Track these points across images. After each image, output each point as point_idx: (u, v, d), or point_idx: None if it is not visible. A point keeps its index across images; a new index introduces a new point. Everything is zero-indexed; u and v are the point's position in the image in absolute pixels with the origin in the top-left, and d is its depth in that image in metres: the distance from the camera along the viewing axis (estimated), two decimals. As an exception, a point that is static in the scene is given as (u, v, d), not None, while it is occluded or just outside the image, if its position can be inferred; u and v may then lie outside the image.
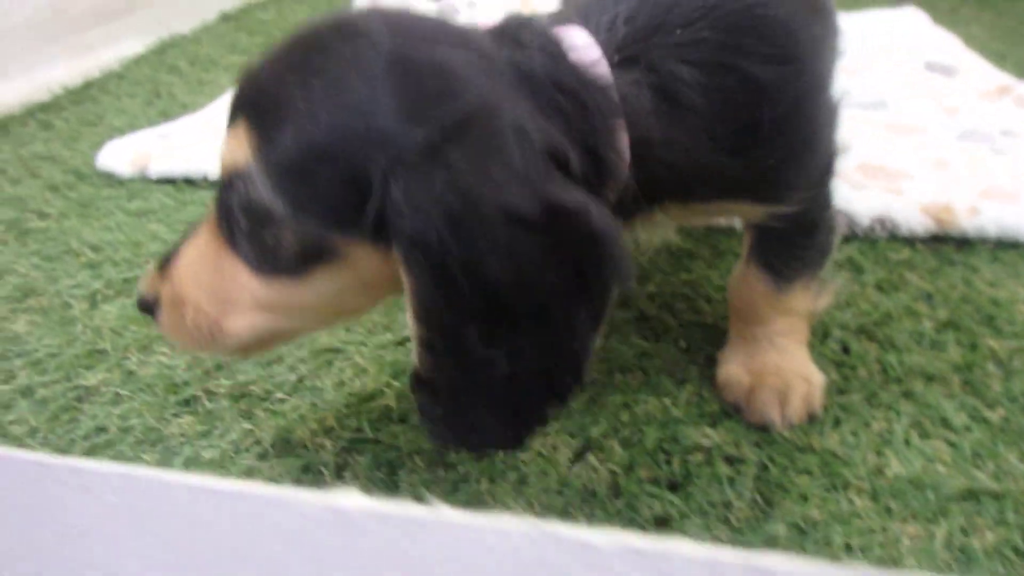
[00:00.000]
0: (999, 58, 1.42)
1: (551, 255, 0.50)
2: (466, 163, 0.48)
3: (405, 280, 0.50)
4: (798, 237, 0.71)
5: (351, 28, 0.53)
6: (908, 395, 0.73)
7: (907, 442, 0.68)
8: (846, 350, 0.78)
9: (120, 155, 1.25)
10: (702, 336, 0.82)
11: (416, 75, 0.50)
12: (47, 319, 0.92)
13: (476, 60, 0.53)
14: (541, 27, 0.58)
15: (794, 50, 0.62)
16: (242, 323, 0.58)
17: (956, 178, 0.99)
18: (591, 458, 0.68)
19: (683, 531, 0.61)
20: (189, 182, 1.22)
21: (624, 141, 0.57)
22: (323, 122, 0.49)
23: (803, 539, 0.60)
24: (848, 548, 0.59)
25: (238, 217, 0.54)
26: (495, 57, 0.54)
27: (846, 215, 0.95)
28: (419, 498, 0.65)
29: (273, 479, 0.68)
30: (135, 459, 0.71)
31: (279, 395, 0.77)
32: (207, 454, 0.71)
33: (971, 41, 1.50)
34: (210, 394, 0.78)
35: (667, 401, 0.73)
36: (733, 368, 0.74)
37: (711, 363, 0.77)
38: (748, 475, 0.66)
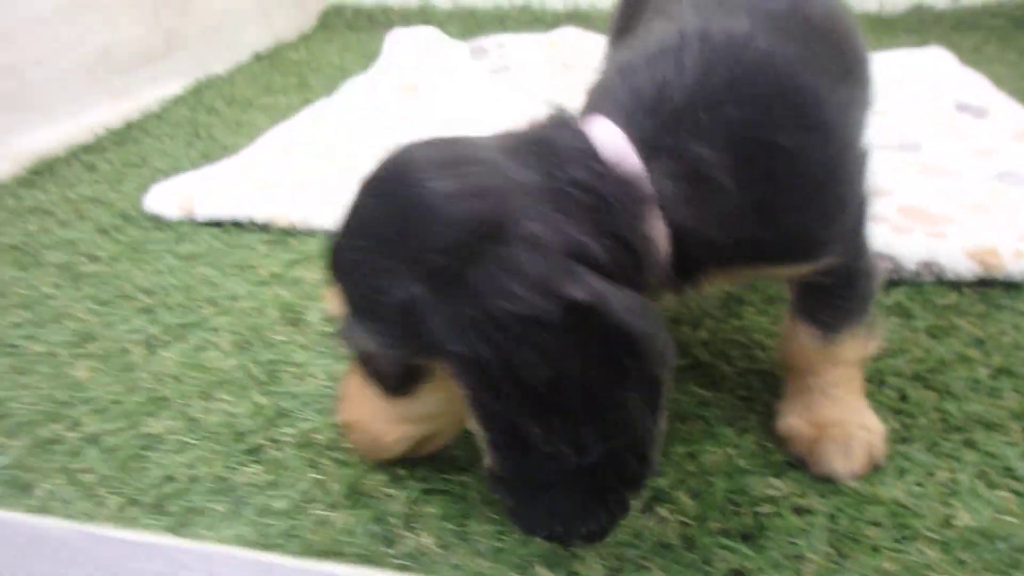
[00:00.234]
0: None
1: (579, 348, 0.54)
2: (483, 281, 0.54)
3: (459, 390, 0.57)
4: (839, 288, 0.72)
5: (379, 181, 0.62)
6: (969, 444, 0.74)
7: (973, 492, 0.69)
8: (904, 398, 0.79)
9: (166, 198, 1.27)
10: (759, 384, 0.83)
11: (441, 211, 0.56)
12: (107, 365, 0.93)
13: (492, 178, 0.58)
14: (573, 129, 0.62)
15: (821, 116, 0.63)
16: (392, 436, 0.70)
17: (997, 221, 1.01)
18: (661, 509, 0.68)
19: (759, 585, 0.62)
20: (237, 225, 1.24)
21: (658, 228, 0.60)
22: (379, 276, 0.58)
23: (879, 592, 0.61)
24: (924, 602, 0.60)
25: (358, 355, 0.67)
26: (512, 169, 0.59)
27: (890, 259, 0.97)
28: (488, 549, 0.66)
29: (345, 529, 0.69)
30: (206, 509, 0.72)
31: (345, 444, 0.78)
32: (278, 504, 0.72)
33: (997, 81, 1.53)
34: (275, 443, 0.79)
35: (731, 451, 0.74)
36: (793, 421, 0.75)
37: (770, 411, 0.78)
38: (818, 526, 0.66)
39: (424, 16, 2.51)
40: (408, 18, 2.50)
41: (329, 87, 1.88)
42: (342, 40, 2.36)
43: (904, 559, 0.63)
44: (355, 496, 0.72)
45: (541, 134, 0.62)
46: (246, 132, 1.62)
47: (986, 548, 0.64)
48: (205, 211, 1.23)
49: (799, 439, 0.73)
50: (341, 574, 0.60)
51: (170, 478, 0.76)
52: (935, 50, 1.70)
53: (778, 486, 0.70)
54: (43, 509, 0.74)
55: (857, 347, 0.74)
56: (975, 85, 1.47)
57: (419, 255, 0.56)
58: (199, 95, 1.86)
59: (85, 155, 1.53)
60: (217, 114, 1.74)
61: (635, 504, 0.60)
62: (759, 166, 0.62)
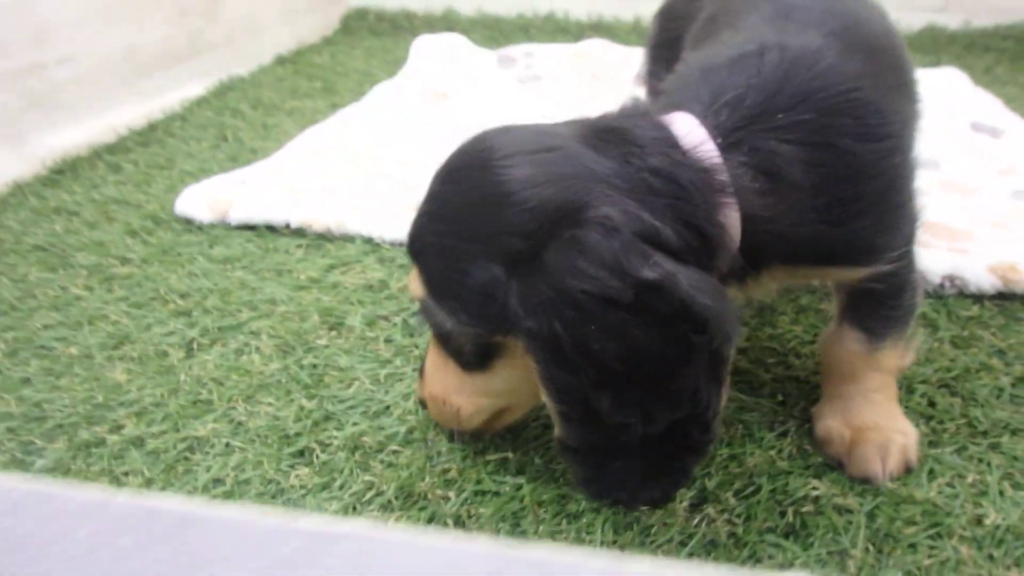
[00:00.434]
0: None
1: (648, 325, 0.57)
2: (559, 262, 0.57)
3: (533, 366, 0.61)
4: (887, 298, 0.76)
5: (458, 168, 0.66)
6: (995, 447, 0.77)
7: (1001, 493, 0.72)
8: (932, 404, 0.83)
9: (198, 201, 1.27)
10: (795, 390, 0.86)
11: (516, 194, 0.60)
12: (145, 368, 0.94)
13: (568, 165, 0.61)
14: (652, 119, 0.65)
15: (886, 128, 0.67)
16: (470, 408, 0.73)
17: (1016, 238, 1.05)
18: (709, 509, 0.71)
19: (808, 582, 0.65)
20: (271, 229, 1.24)
21: (732, 216, 0.63)
22: (460, 258, 0.62)
23: (920, 588, 0.64)
24: (964, 597, 0.63)
25: (435, 331, 0.70)
26: (587, 156, 0.62)
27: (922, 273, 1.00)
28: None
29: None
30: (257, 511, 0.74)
31: (393, 447, 0.80)
32: (331, 507, 0.73)
33: (1009, 101, 1.58)
34: (323, 445, 0.81)
35: (772, 454, 0.77)
36: (831, 424, 0.78)
37: (806, 416, 0.81)
38: (858, 525, 0.69)
39: (448, 23, 2.53)
40: (431, 24, 2.52)
41: (355, 92, 1.90)
42: (366, 45, 2.37)
43: (940, 555, 0.66)
44: (408, 498, 0.74)
45: (618, 123, 0.65)
46: (274, 136, 1.63)
47: (1015, 545, 0.67)
48: (239, 214, 1.24)
49: (838, 442, 0.76)
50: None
51: (218, 481, 0.77)
52: (949, 70, 1.75)
53: (818, 487, 0.73)
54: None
55: (898, 356, 0.77)
56: (989, 106, 1.52)
57: (498, 238, 0.60)
58: (222, 97, 1.86)
59: (109, 155, 1.53)
60: (242, 117, 1.74)
61: (686, 490, 0.64)
62: (830, 169, 0.65)
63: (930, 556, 0.66)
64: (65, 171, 1.48)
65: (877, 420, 0.77)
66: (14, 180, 1.43)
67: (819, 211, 0.65)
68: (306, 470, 0.78)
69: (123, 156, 1.54)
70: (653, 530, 0.69)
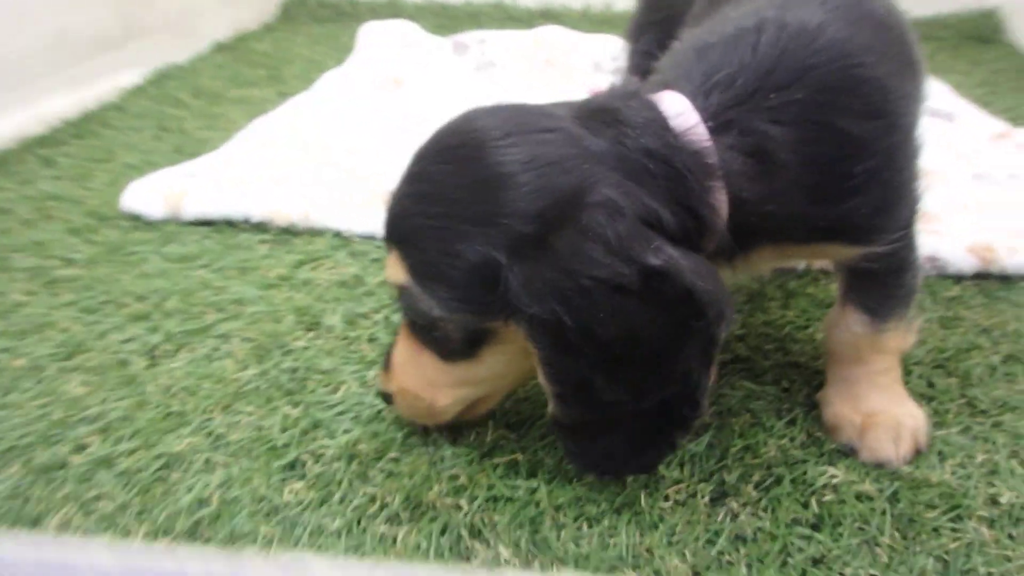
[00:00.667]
0: (984, 105, 1.55)
1: (652, 311, 0.58)
2: (567, 247, 0.57)
3: (532, 350, 0.61)
4: (889, 278, 0.75)
5: (451, 148, 0.63)
6: (998, 426, 0.78)
7: (1011, 471, 0.72)
8: (931, 385, 0.83)
9: (147, 195, 1.17)
10: (797, 376, 0.85)
11: (516, 176, 0.58)
12: (104, 379, 0.86)
13: (567, 147, 0.60)
14: (642, 99, 0.64)
15: (886, 106, 0.66)
16: (446, 399, 0.71)
17: (985, 219, 1.07)
18: (732, 503, 0.69)
19: (840, 571, 0.63)
20: (230, 224, 1.16)
21: (721, 199, 0.62)
22: (453, 241, 0.59)
23: (948, 569, 0.63)
24: (992, 577, 0.63)
25: (414, 320, 0.67)
26: (585, 137, 0.61)
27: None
28: (569, 555, 0.64)
29: (413, 545, 0.66)
30: (252, 533, 0.67)
31: (392, 454, 0.75)
32: (333, 523, 0.68)
33: (955, 89, 1.62)
34: (316, 456, 0.75)
35: (784, 442, 0.75)
36: (840, 409, 0.77)
37: (811, 401, 0.80)
38: (882, 511, 0.68)
39: (394, 9, 2.45)
40: (376, 11, 2.43)
41: (303, 79, 1.81)
42: (308, 32, 2.28)
43: (964, 538, 0.66)
44: (416, 509, 0.69)
45: (608, 103, 0.64)
46: (221, 125, 1.53)
47: (1032, 523, 0.67)
48: (194, 209, 1.15)
49: (849, 427, 0.75)
50: None
51: (202, 501, 0.70)
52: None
53: (835, 474, 0.72)
54: (61, 544, 0.68)
55: (900, 337, 0.77)
56: (939, 92, 1.56)
57: (498, 220, 0.58)
58: (160, 86, 1.75)
59: (40, 148, 1.41)
60: (184, 106, 1.64)
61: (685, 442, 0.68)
62: (823, 148, 0.64)
63: (955, 539, 0.65)
64: (-8, 166, 1.36)
65: (886, 404, 0.76)
66: (-68, 177, 1.30)
67: (810, 191, 0.65)
68: (300, 484, 0.72)
69: (56, 149, 1.42)
70: (678, 528, 0.67)
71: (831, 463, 0.73)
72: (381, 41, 2.01)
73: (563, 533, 0.66)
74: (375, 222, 1.13)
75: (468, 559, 0.64)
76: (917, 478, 0.71)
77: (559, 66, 1.88)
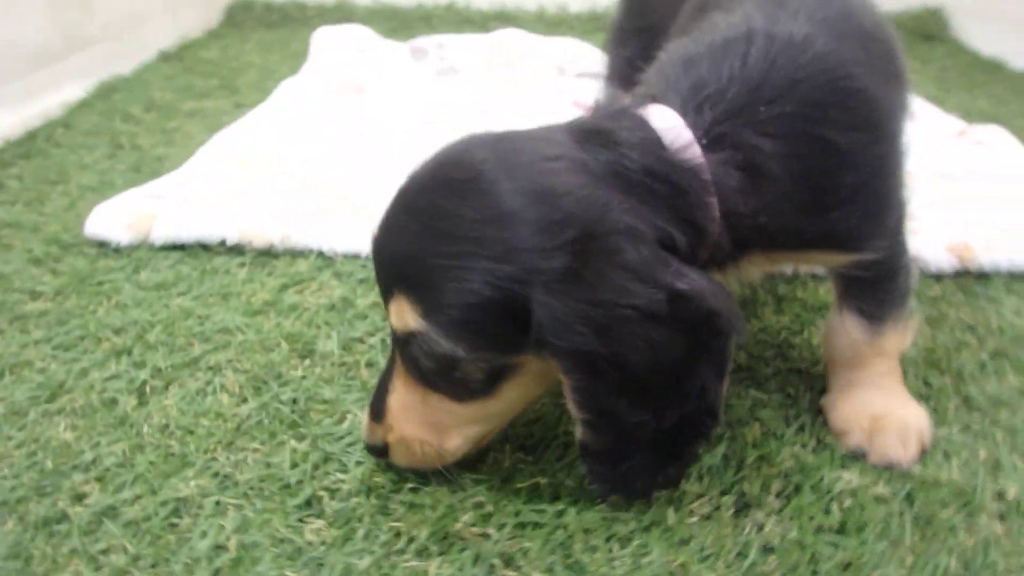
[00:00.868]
0: (938, 102, 1.61)
1: (677, 333, 0.59)
2: (595, 278, 0.57)
3: (564, 380, 0.61)
4: (882, 282, 0.77)
5: (460, 182, 0.60)
6: (995, 422, 0.81)
7: (1013, 466, 0.75)
8: (928, 384, 0.86)
9: (112, 220, 1.11)
10: (800, 382, 0.86)
11: (534, 208, 0.58)
12: (92, 421, 0.81)
13: (575, 174, 0.60)
14: (635, 117, 0.64)
15: (872, 117, 0.68)
16: (458, 440, 0.70)
17: (954, 218, 1.11)
18: (757, 514, 0.70)
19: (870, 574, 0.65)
20: (204, 247, 1.12)
21: (715, 212, 0.63)
22: (474, 280, 0.58)
23: (969, 567, 0.65)
24: (1009, 571, 0.65)
25: (426, 364, 0.65)
26: (589, 162, 0.61)
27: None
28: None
29: (446, 578, 0.64)
30: (278, 577, 0.65)
31: (410, 485, 0.73)
32: (361, 562, 0.66)
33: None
34: (331, 492, 0.73)
35: (796, 449, 0.77)
36: (847, 414, 0.79)
37: (815, 407, 0.82)
38: (900, 512, 0.70)
39: (343, 13, 2.39)
40: (325, 15, 2.38)
41: (258, 89, 1.76)
42: (257, 38, 2.20)
43: (979, 535, 0.68)
44: (445, 541, 0.68)
45: (601, 124, 0.64)
46: (179, 141, 1.47)
47: (1039, 516, 0.70)
48: (164, 233, 1.10)
49: (857, 431, 0.77)
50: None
51: (220, 548, 0.68)
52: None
53: (850, 478, 0.74)
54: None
55: (899, 338, 0.79)
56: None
57: (519, 256, 0.57)
58: (107, 99, 1.66)
59: (-14, 173, 1.33)
60: (136, 121, 1.56)
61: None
62: (812, 160, 0.66)
63: (971, 536, 0.68)
64: (-67, 193, 1.27)
65: (890, 406, 0.78)
66: None
67: (800, 201, 0.67)
68: (320, 522, 0.70)
69: (3, 171, 1.34)
70: (708, 543, 0.67)
71: (844, 468, 0.75)
72: (336, 46, 1.97)
73: (596, 555, 0.66)
74: (358, 240, 1.10)
75: (505, 589, 0.64)
76: (927, 478, 0.74)
77: (520, 70, 1.87)
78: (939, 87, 1.79)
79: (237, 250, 1.12)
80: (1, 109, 1.44)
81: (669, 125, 0.63)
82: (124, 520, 0.70)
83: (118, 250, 1.11)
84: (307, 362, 0.90)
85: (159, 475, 0.75)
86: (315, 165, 1.31)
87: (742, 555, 0.66)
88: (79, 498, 0.72)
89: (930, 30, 2.24)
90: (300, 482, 0.74)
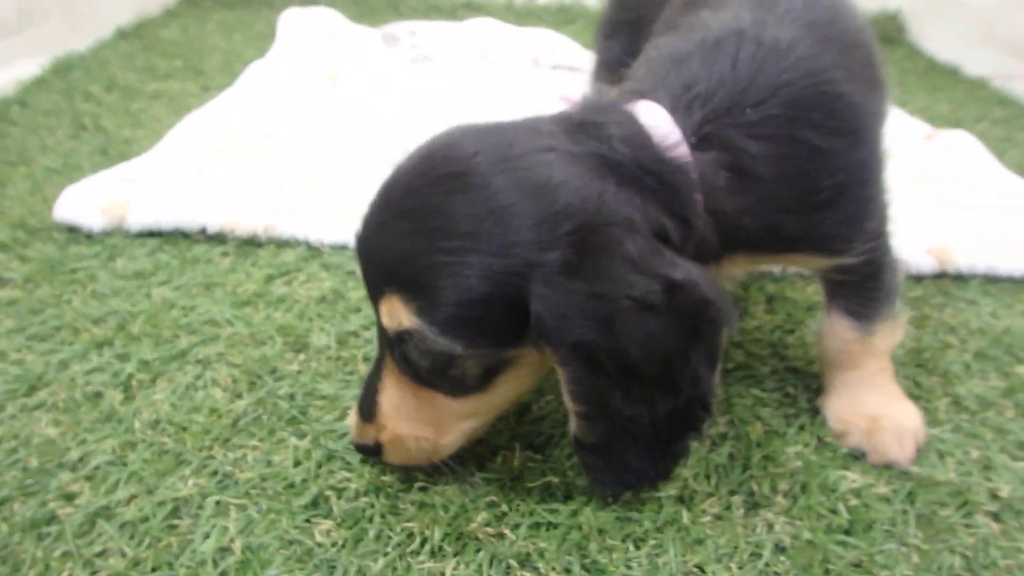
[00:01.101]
0: (901, 105, 1.65)
1: (672, 323, 0.59)
2: (594, 270, 0.56)
3: (562, 372, 0.60)
4: (868, 282, 0.79)
5: (452, 177, 0.59)
6: (984, 423, 0.84)
7: (1004, 466, 0.78)
8: (918, 384, 0.88)
9: (84, 204, 1.06)
10: (796, 380, 0.88)
11: (531, 201, 0.57)
12: (77, 416, 0.77)
13: (569, 166, 0.60)
14: (624, 112, 0.64)
15: (854, 122, 0.69)
16: (453, 435, 0.69)
17: (929, 222, 1.15)
18: (767, 514, 0.71)
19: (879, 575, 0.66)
20: (184, 235, 1.07)
21: (700, 209, 0.64)
22: (471, 275, 0.57)
23: (971, 566, 0.68)
24: (1010, 570, 0.68)
25: (420, 362, 0.64)
26: (581, 154, 0.61)
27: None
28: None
29: (463, 580, 0.63)
30: (287, 580, 0.63)
31: (420, 483, 0.72)
32: (375, 564, 0.64)
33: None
34: (339, 491, 0.71)
35: (799, 449, 0.78)
36: (845, 415, 0.80)
37: (813, 405, 0.84)
38: (904, 512, 0.72)
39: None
40: (287, -1, 2.30)
41: (224, 72, 1.69)
42: (218, 19, 2.12)
43: (978, 533, 0.70)
44: (459, 541, 0.67)
45: (590, 117, 0.64)
46: (146, 123, 1.40)
47: (1029, 514, 0.73)
48: (141, 219, 1.05)
49: (856, 432, 0.79)
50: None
51: (225, 550, 0.65)
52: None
53: (854, 478, 0.75)
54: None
55: (889, 336, 0.81)
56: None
57: (517, 250, 0.57)
58: (64, 77, 1.58)
59: (-58, 153, 1.24)
60: (97, 101, 1.49)
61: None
62: (795, 163, 0.67)
63: (970, 535, 0.70)
64: None
65: (885, 405, 0.80)
66: None
67: (782, 203, 0.68)
68: (329, 523, 0.68)
69: (-43, 151, 1.26)
70: (721, 543, 0.68)
71: (846, 467, 0.77)
72: (305, 29, 1.91)
73: (614, 556, 0.66)
74: (344, 233, 1.07)
75: (525, 591, 0.63)
76: (925, 478, 0.76)
77: (495, 59, 1.85)
78: (902, 90, 1.85)
79: (218, 239, 1.08)
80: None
81: (658, 122, 0.63)
82: (120, 521, 0.67)
83: (90, 236, 1.06)
84: (302, 356, 0.87)
85: (154, 474, 0.71)
86: (293, 158, 1.27)
87: (756, 555, 0.67)
88: (69, 498, 0.69)
89: (889, 32, 2.29)
90: (305, 481, 0.71)
